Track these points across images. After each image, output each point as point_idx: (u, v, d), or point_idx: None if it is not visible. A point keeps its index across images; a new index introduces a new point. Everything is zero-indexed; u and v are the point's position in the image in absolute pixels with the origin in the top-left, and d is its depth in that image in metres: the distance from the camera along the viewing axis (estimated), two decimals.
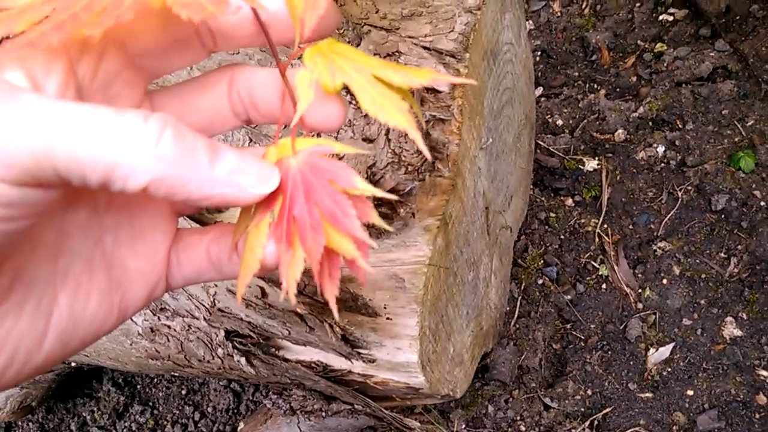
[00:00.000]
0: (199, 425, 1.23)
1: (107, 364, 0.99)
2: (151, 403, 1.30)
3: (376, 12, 0.83)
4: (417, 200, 0.74)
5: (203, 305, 0.78)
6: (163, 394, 1.30)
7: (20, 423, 1.32)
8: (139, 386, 1.32)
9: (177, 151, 0.26)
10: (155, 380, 1.31)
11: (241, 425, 1.04)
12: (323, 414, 0.90)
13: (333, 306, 0.29)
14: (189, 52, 0.32)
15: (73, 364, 1.07)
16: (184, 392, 1.28)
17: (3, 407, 1.18)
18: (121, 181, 0.26)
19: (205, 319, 0.79)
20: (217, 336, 0.80)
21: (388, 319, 0.73)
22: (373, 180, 0.69)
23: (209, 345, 0.83)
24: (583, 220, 1.32)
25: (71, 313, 0.31)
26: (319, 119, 0.32)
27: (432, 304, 0.75)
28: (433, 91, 0.75)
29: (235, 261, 0.34)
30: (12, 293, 0.29)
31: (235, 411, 1.23)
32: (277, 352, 0.81)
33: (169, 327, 0.84)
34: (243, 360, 0.80)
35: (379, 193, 0.30)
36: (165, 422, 1.27)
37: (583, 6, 1.64)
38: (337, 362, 0.80)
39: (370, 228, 0.72)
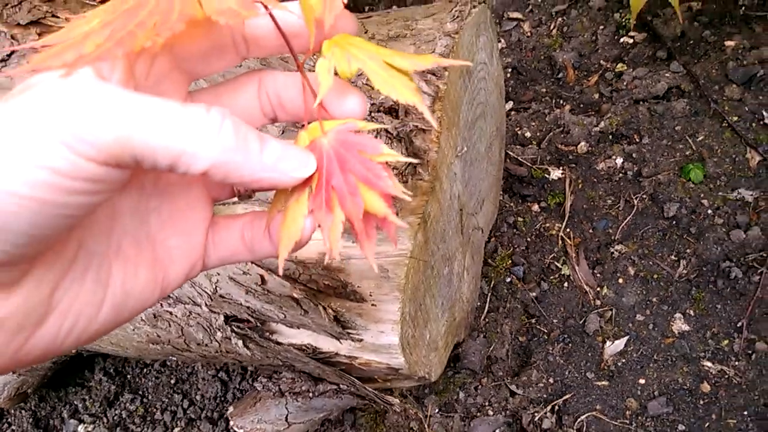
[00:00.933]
0: (187, 412, 1.30)
1: (108, 350, 1.06)
2: (140, 392, 1.36)
3: (366, 32, 0.93)
4: (400, 200, 0.83)
5: (206, 292, 0.86)
6: (152, 384, 1.36)
7: (13, 411, 1.37)
8: (129, 376, 1.38)
9: (234, 140, 0.30)
10: (145, 370, 1.38)
11: (231, 409, 1.11)
12: (310, 395, 0.98)
13: (372, 260, 0.34)
14: (225, 57, 0.35)
15: (73, 351, 1.14)
16: (173, 381, 1.35)
17: (0, 393, 1.24)
18: (185, 166, 0.29)
19: (206, 305, 0.88)
20: (216, 321, 0.88)
21: (373, 305, 0.82)
22: None
23: (208, 329, 0.90)
24: (547, 225, 1.43)
25: (123, 286, 0.34)
26: (345, 111, 0.36)
27: (412, 293, 0.84)
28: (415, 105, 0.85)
29: (267, 242, 0.38)
30: (76, 263, 0.32)
31: (223, 399, 1.30)
32: (270, 336, 0.90)
33: (170, 313, 0.92)
34: (240, 343, 0.88)
35: (402, 158, 0.35)
36: (154, 410, 1.33)
37: (551, 27, 1.76)
38: (326, 345, 0.89)
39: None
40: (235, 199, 0.42)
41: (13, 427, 1.36)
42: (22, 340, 0.30)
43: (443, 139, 0.86)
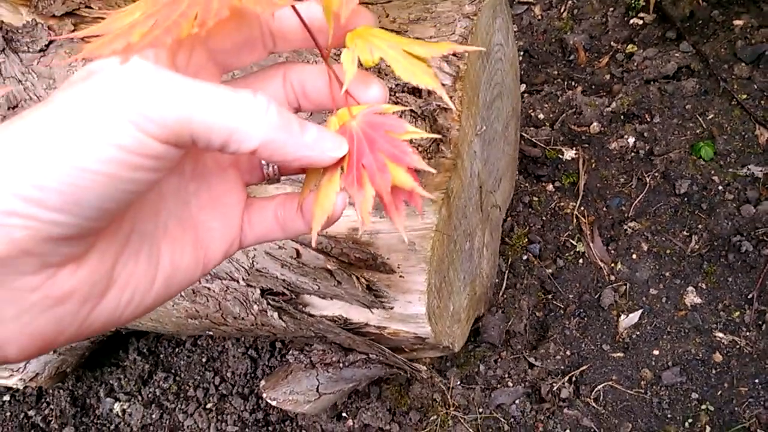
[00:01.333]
0: (219, 388, 1.36)
1: (147, 326, 1.11)
2: (173, 371, 1.42)
3: (387, 16, 0.97)
4: (425, 176, 0.88)
5: (243, 267, 0.91)
6: (184, 362, 1.42)
7: (51, 391, 1.43)
8: (162, 355, 1.44)
9: (280, 121, 0.32)
10: (177, 349, 1.43)
11: (263, 383, 1.16)
12: (340, 365, 1.03)
13: (402, 231, 0.37)
14: (255, 51, 0.38)
15: (112, 329, 1.19)
16: (204, 360, 1.41)
17: (41, 372, 1.30)
18: (237, 144, 0.31)
19: (243, 279, 0.93)
20: (253, 294, 0.93)
21: (401, 276, 0.87)
22: None
23: (245, 303, 0.96)
24: (562, 203, 1.47)
25: (172, 263, 0.37)
26: (369, 98, 0.39)
27: (437, 265, 0.89)
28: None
29: (300, 219, 0.40)
30: (131, 242, 0.34)
31: (253, 375, 1.36)
32: (304, 308, 0.95)
33: (209, 288, 0.97)
34: (275, 315, 0.93)
35: (425, 134, 0.38)
36: (187, 387, 1.39)
37: (562, 10, 1.79)
38: (356, 316, 0.94)
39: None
40: (265, 182, 0.46)
41: (52, 406, 1.43)
42: (88, 310, 0.33)
43: (464, 118, 0.90)
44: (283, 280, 0.89)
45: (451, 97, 0.90)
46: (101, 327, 0.34)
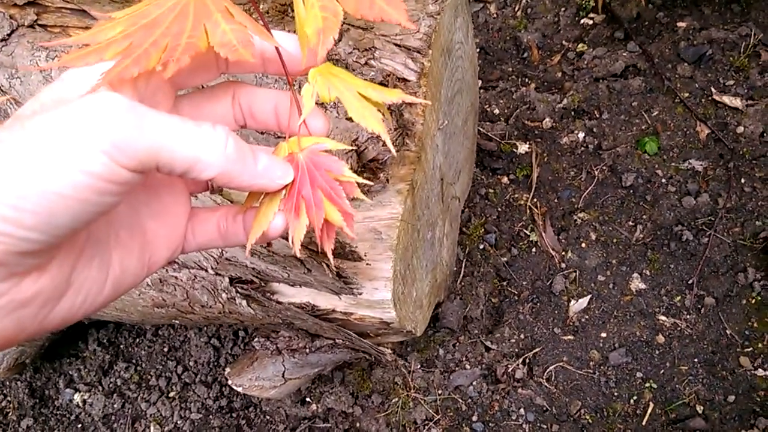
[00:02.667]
0: (182, 377, 1.37)
1: (112, 316, 1.12)
2: (134, 361, 1.42)
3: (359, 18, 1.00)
4: (390, 169, 0.91)
5: (212, 256, 0.93)
6: (145, 352, 1.42)
7: (8, 383, 1.42)
8: (122, 345, 1.44)
9: (236, 153, 0.36)
10: (138, 339, 1.43)
11: (228, 370, 1.18)
12: (306, 351, 1.07)
13: (330, 256, 0.43)
14: (209, 73, 0.42)
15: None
16: (165, 349, 1.41)
17: (0, 363, 1.28)
18: (197, 172, 0.35)
19: (212, 268, 0.95)
20: (221, 283, 0.95)
21: (367, 264, 0.91)
22: (359, 150, 0.86)
23: (213, 292, 0.98)
24: (516, 195, 1.53)
25: (121, 266, 0.39)
26: (314, 128, 0.43)
27: (402, 253, 0.93)
28: (403, 80, 0.93)
29: (240, 232, 0.44)
30: (86, 249, 0.37)
31: (216, 364, 1.37)
32: (272, 296, 0.97)
33: (176, 278, 0.99)
34: (244, 303, 0.96)
35: (360, 179, 0.41)
36: (149, 376, 1.39)
37: (516, 9, 1.85)
38: (323, 303, 0.97)
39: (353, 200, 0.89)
40: (208, 192, 0.49)
41: (9, 398, 1.41)
42: (47, 312, 0.35)
43: (427, 113, 0.94)
44: (253, 269, 0.91)
45: (415, 93, 0.93)
46: (57, 325, 0.37)
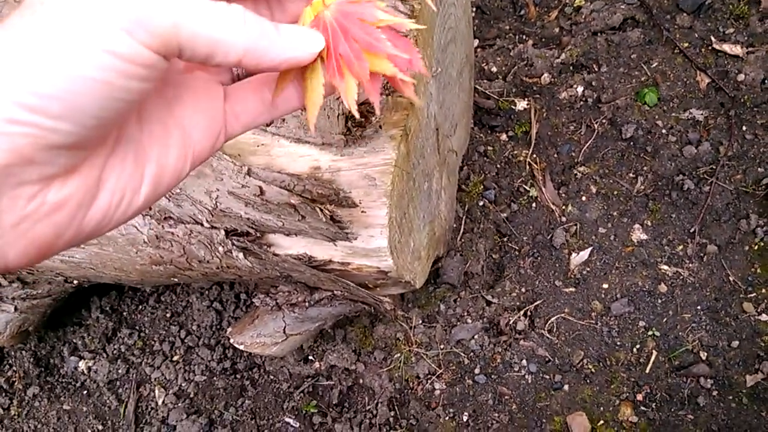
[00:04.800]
0: (185, 341, 1.37)
1: (111, 276, 1.12)
2: (137, 327, 1.43)
3: None
4: (383, 114, 0.90)
5: (206, 209, 0.93)
6: (148, 318, 1.43)
7: (13, 352, 1.43)
8: (125, 312, 1.44)
9: (258, 28, 0.34)
10: (140, 306, 1.44)
11: (230, 329, 1.19)
12: (306, 305, 1.06)
13: (377, 106, 0.38)
14: None
15: (75, 282, 1.19)
16: (168, 315, 1.42)
17: (3, 332, 1.28)
18: (222, 55, 0.33)
19: (207, 221, 0.94)
20: (217, 236, 0.95)
21: (362, 211, 0.90)
22: None
23: (210, 246, 0.97)
24: (515, 152, 1.52)
25: (159, 162, 0.38)
26: None
27: (398, 200, 0.92)
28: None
29: (291, 95, 0.42)
30: (117, 147, 0.36)
31: (218, 327, 1.38)
32: (268, 248, 0.97)
33: (172, 233, 0.98)
34: (241, 255, 0.95)
35: (396, 19, 0.38)
36: (153, 342, 1.40)
37: None
38: (320, 253, 0.96)
39: (347, 134, 0.88)
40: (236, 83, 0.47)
41: (15, 368, 1.42)
42: (82, 215, 0.34)
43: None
44: (248, 219, 0.91)
45: (406, 36, 0.91)
46: (94, 229, 0.36)
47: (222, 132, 0.43)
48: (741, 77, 1.48)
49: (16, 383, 1.40)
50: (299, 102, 0.43)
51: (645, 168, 1.44)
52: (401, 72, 0.37)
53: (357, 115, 0.39)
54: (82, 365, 1.41)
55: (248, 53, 0.33)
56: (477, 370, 1.27)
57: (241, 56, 0.33)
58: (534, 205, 1.44)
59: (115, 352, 1.41)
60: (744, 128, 1.42)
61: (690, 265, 1.32)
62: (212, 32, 0.32)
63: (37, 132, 0.29)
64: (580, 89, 1.56)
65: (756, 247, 1.31)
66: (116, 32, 0.29)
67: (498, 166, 1.50)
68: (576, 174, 1.46)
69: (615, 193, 1.42)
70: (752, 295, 1.28)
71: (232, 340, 1.17)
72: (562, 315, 1.30)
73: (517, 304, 1.32)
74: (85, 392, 1.39)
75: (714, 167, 1.39)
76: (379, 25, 0.37)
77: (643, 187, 1.42)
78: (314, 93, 0.39)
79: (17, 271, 1.22)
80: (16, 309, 1.27)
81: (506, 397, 1.26)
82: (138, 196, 0.38)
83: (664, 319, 1.28)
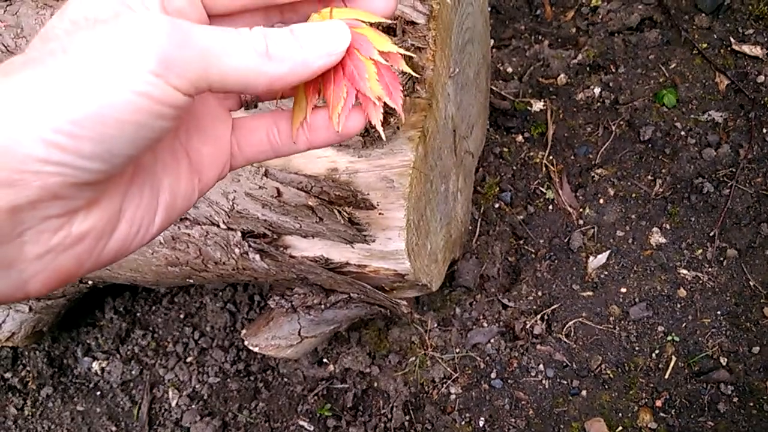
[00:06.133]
0: (199, 342, 1.37)
1: (126, 277, 1.11)
2: (151, 328, 1.42)
3: None
4: (400, 116, 0.89)
5: (223, 210, 0.92)
6: (162, 319, 1.43)
7: (27, 353, 1.43)
8: (138, 313, 1.44)
9: (280, 53, 0.34)
10: (154, 307, 1.44)
11: (244, 331, 1.18)
12: (322, 307, 1.05)
13: (380, 128, 0.40)
14: None
15: (89, 283, 1.19)
16: (182, 316, 1.41)
17: (17, 332, 1.29)
18: (252, 87, 0.34)
19: (224, 222, 0.93)
20: (234, 238, 0.94)
21: (380, 213, 0.89)
22: None
23: (226, 247, 0.96)
24: (531, 153, 1.50)
25: (171, 191, 0.39)
26: (375, 6, 0.40)
27: (415, 202, 0.91)
28: (411, 23, 0.90)
29: (301, 136, 0.42)
30: (134, 180, 0.36)
31: (232, 328, 1.37)
32: (285, 250, 0.96)
33: (188, 234, 0.98)
34: (257, 257, 0.94)
35: (396, 49, 0.39)
36: (166, 343, 1.40)
37: None
38: (337, 256, 0.95)
39: (365, 136, 0.87)
40: (243, 108, 0.46)
41: (29, 368, 1.42)
42: (103, 245, 0.35)
43: (438, 59, 0.92)
44: (265, 221, 0.90)
45: (425, 36, 0.91)
46: (113, 257, 0.37)
47: (227, 163, 0.43)
48: (761, 79, 1.46)
49: (29, 383, 1.40)
50: (305, 145, 0.43)
51: (663, 170, 1.42)
52: (378, 102, 0.38)
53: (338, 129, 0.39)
54: (95, 366, 1.41)
55: (275, 81, 0.34)
56: (493, 375, 1.26)
57: (269, 85, 0.34)
58: (551, 207, 1.42)
59: (128, 353, 1.40)
60: (764, 130, 1.40)
61: (709, 269, 1.30)
62: (240, 68, 0.32)
63: (68, 171, 0.30)
64: (597, 90, 1.54)
65: None
66: (146, 75, 0.29)
67: (514, 167, 1.49)
68: (593, 176, 1.44)
69: (633, 195, 1.40)
70: None
71: (246, 342, 1.16)
72: (580, 319, 1.29)
73: (534, 307, 1.31)
74: (98, 393, 1.38)
75: (734, 170, 1.37)
76: (377, 54, 0.38)
77: (661, 190, 1.40)
78: (299, 111, 0.40)
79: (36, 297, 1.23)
80: (30, 309, 1.27)
81: (523, 402, 1.24)
82: (153, 225, 0.38)
83: (684, 324, 1.26)
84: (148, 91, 0.30)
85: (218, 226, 0.95)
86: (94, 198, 0.33)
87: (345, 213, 0.84)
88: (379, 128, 0.40)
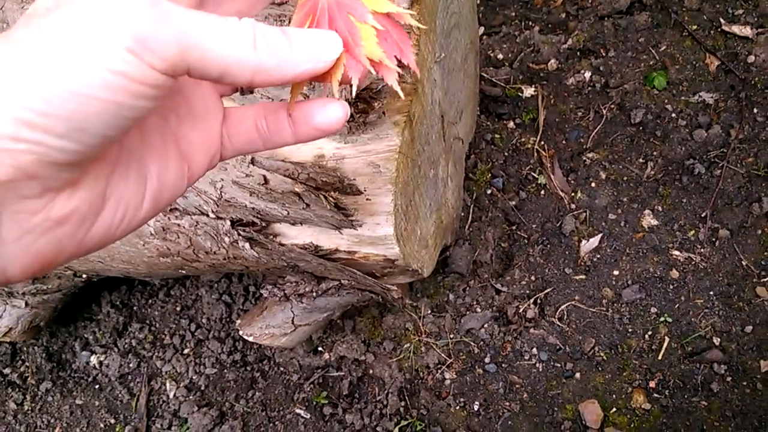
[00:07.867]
0: (195, 334, 1.38)
1: (119, 269, 1.12)
2: (148, 321, 1.43)
3: None
4: (386, 100, 0.89)
5: (211, 199, 0.93)
6: (158, 312, 1.43)
7: (25, 348, 1.44)
8: (135, 307, 1.45)
9: (268, 46, 0.33)
10: (150, 300, 1.44)
11: (239, 321, 1.19)
12: (314, 295, 1.06)
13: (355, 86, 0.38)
14: None
15: (84, 277, 1.20)
16: (178, 308, 1.42)
17: (15, 327, 1.29)
18: (232, 77, 0.32)
19: (213, 211, 0.94)
20: (223, 227, 0.95)
21: (367, 199, 0.89)
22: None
23: (216, 237, 0.97)
24: (523, 139, 1.51)
25: (159, 178, 0.38)
26: None
27: (403, 186, 0.91)
28: None
29: (284, 129, 0.40)
30: (120, 162, 0.35)
31: (228, 320, 1.38)
32: (274, 238, 0.97)
33: (179, 225, 0.98)
34: (247, 246, 0.95)
35: (396, 8, 0.38)
36: (163, 335, 1.41)
37: None
38: (326, 243, 0.96)
39: (350, 122, 0.87)
40: (238, 93, 0.46)
41: (27, 363, 1.43)
42: (85, 230, 0.34)
43: (422, 43, 0.92)
44: (253, 209, 0.91)
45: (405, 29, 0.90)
46: (97, 245, 0.36)
47: (217, 153, 0.42)
48: (751, 59, 1.46)
49: (29, 378, 1.41)
50: (293, 138, 0.41)
51: (655, 153, 1.42)
52: (388, 59, 0.37)
53: (336, 95, 0.38)
54: (93, 360, 1.42)
55: (258, 74, 0.33)
56: (487, 359, 1.26)
57: (251, 76, 0.33)
58: (543, 192, 1.43)
59: (126, 346, 1.41)
60: (755, 110, 1.40)
61: (702, 250, 1.31)
62: (222, 54, 0.31)
63: (42, 150, 0.29)
64: (587, 75, 1.54)
65: None
66: (121, 52, 0.28)
67: (506, 153, 1.49)
68: (585, 160, 1.44)
69: (625, 178, 1.41)
70: (765, 279, 1.26)
71: (241, 332, 1.17)
72: (573, 303, 1.29)
73: (527, 292, 1.31)
74: (97, 386, 1.39)
75: (725, 150, 1.37)
76: (377, 11, 0.37)
77: (653, 172, 1.40)
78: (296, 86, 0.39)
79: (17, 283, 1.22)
80: (26, 304, 1.28)
81: (517, 385, 1.25)
82: (139, 212, 0.37)
83: (676, 305, 1.27)
84: (124, 69, 0.29)
85: (207, 215, 0.95)
86: (74, 179, 0.32)
87: (331, 198, 0.85)
88: (396, 87, 0.39)
